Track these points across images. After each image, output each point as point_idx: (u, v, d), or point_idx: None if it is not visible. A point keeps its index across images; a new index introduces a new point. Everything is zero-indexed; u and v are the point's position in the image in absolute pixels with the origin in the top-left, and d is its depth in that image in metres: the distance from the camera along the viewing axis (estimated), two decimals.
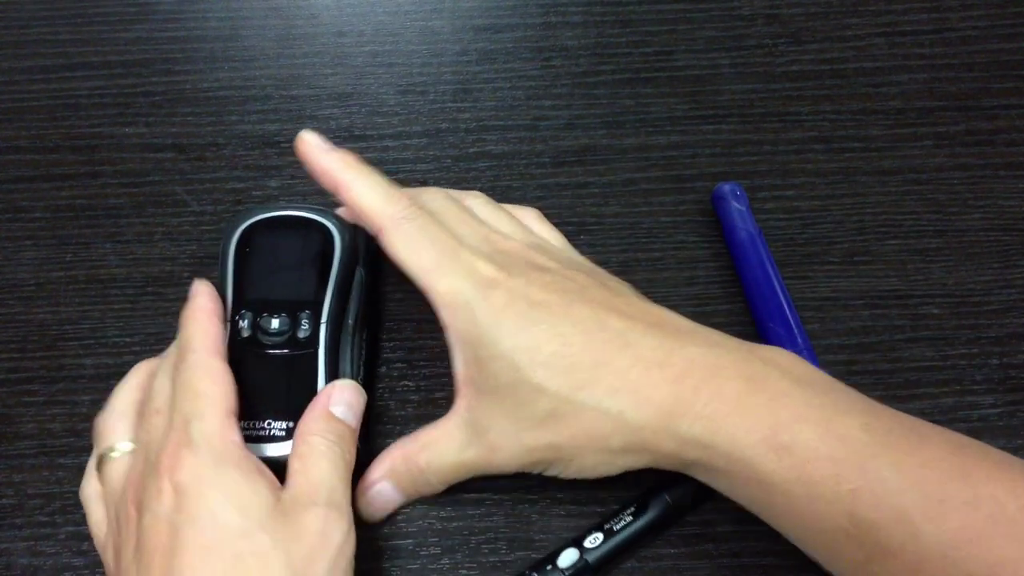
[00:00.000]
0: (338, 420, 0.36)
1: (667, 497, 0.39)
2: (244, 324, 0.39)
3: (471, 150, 0.51)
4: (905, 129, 0.52)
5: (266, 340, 0.39)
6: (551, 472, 0.37)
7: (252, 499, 0.32)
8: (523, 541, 0.40)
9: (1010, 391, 0.44)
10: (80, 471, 0.40)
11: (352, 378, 0.39)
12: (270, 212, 0.42)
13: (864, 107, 0.52)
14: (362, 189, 0.37)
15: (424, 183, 0.50)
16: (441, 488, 0.39)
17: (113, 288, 0.47)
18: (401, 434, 0.43)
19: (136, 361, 0.46)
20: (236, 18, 0.56)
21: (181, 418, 0.34)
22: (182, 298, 0.48)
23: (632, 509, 0.39)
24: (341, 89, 0.53)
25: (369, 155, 0.51)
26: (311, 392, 0.38)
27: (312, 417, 0.36)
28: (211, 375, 0.36)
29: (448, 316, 0.36)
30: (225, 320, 0.39)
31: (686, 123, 0.52)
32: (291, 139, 0.51)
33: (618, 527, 0.38)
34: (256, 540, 0.31)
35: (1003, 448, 0.33)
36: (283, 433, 0.37)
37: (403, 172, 0.51)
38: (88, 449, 0.40)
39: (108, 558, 0.35)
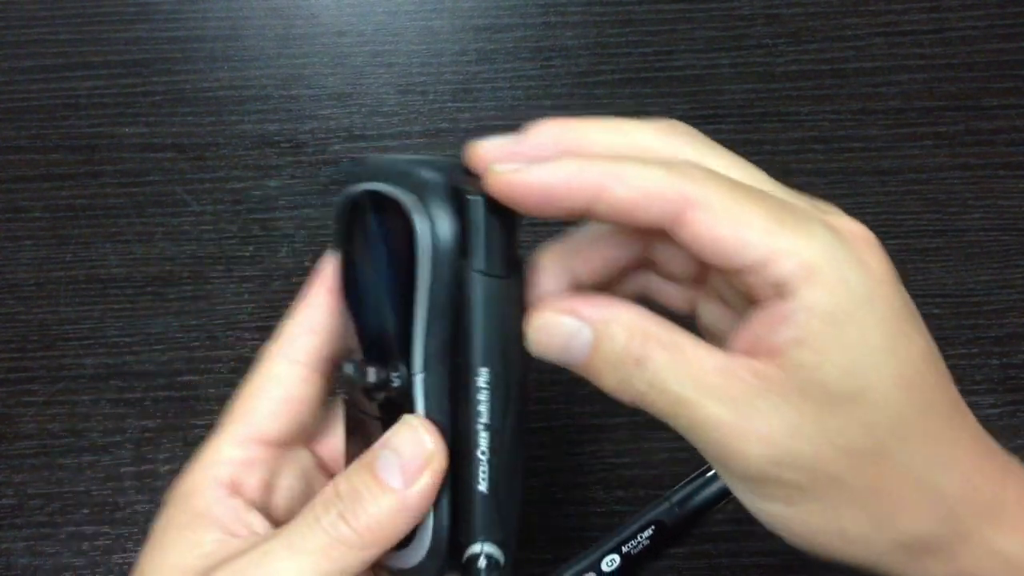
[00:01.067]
0: (369, 467, 0.26)
1: (684, 517, 0.39)
2: (350, 369, 0.27)
3: None
4: (905, 129, 0.52)
5: (368, 397, 0.28)
6: (777, 508, 0.26)
7: (177, 557, 0.27)
8: (523, 541, 0.40)
9: (1010, 391, 0.44)
10: (80, 471, 0.40)
11: (469, 457, 0.27)
12: (364, 184, 0.27)
13: (864, 107, 0.52)
14: (634, 175, 0.25)
15: None
16: (627, 399, 0.26)
17: (113, 288, 0.47)
18: None
19: (136, 361, 0.46)
20: (236, 18, 0.56)
21: None
22: (182, 298, 0.48)
23: (648, 533, 0.38)
24: (341, 89, 0.53)
25: (369, 155, 0.51)
26: None
27: (351, 467, 0.27)
28: (256, 382, 0.29)
29: (803, 283, 0.24)
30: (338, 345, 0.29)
31: (686, 123, 0.52)
32: (291, 139, 0.52)
33: (635, 551, 0.38)
34: None
35: (1002, 448, 0.33)
36: None
37: None
38: (87, 449, 0.40)
39: None
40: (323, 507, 0.26)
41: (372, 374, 0.27)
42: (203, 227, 0.49)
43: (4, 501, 0.42)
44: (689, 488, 0.40)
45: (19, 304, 0.47)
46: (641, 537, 0.38)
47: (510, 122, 0.52)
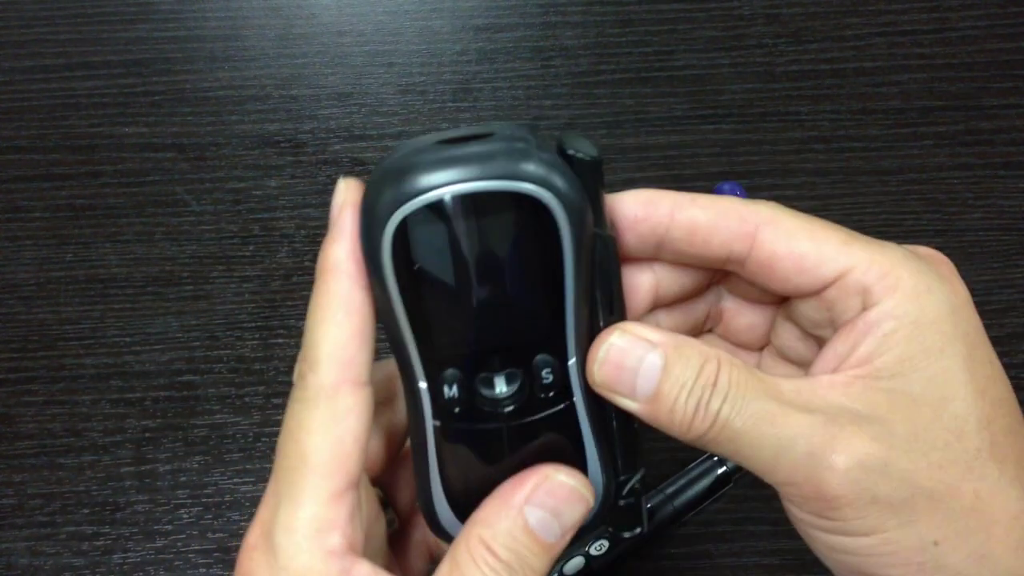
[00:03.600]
0: (529, 531, 0.24)
1: (673, 504, 0.39)
2: (451, 391, 0.25)
3: None
4: (905, 129, 0.52)
5: (491, 410, 0.25)
6: (863, 543, 0.24)
7: None
8: None
9: None
10: (80, 471, 0.40)
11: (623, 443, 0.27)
12: (437, 188, 0.23)
13: (864, 107, 0.52)
14: (707, 199, 0.26)
15: None
16: (698, 431, 0.24)
17: (113, 288, 0.47)
18: None
19: (136, 361, 0.46)
20: (236, 18, 0.56)
21: (274, 490, 0.24)
22: (182, 298, 0.48)
23: None
24: (341, 89, 0.53)
25: (369, 155, 0.51)
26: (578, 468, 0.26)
27: (493, 510, 0.24)
28: (327, 424, 0.24)
29: (887, 292, 0.24)
30: (414, 378, 0.25)
31: (686, 123, 0.52)
32: (291, 138, 0.52)
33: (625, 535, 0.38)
34: None
35: None
36: None
37: None
38: (87, 449, 0.40)
39: None
40: (513, 557, 0.24)
41: (503, 382, 0.25)
42: (203, 227, 0.49)
43: (4, 501, 0.42)
44: (683, 480, 0.40)
45: (19, 304, 0.47)
46: None
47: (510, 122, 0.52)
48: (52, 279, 0.48)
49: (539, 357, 0.25)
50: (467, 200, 0.23)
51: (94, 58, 0.54)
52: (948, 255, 0.47)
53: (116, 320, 0.46)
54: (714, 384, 0.24)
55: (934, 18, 0.55)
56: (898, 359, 0.24)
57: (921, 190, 0.50)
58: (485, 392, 0.25)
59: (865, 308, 0.24)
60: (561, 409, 0.25)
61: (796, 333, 0.28)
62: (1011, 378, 0.44)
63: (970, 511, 0.23)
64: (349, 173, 0.51)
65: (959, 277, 0.26)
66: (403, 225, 0.23)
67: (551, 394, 0.25)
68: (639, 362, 0.24)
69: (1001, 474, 0.24)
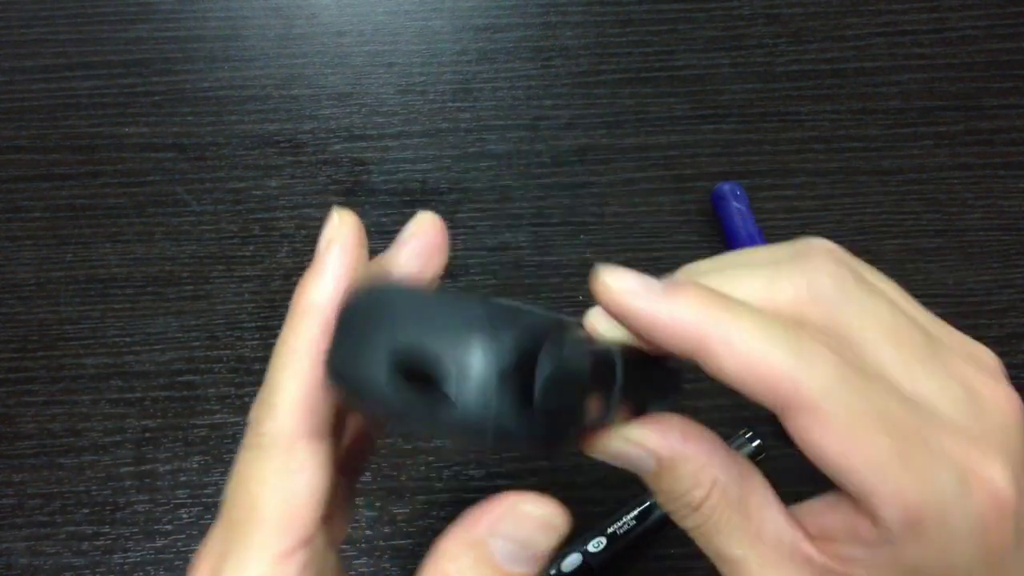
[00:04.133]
0: (495, 565, 0.22)
1: None
2: None
3: (471, 150, 0.51)
4: (905, 129, 0.52)
5: None
6: None
7: None
8: None
9: None
10: (80, 471, 0.40)
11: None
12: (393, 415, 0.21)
13: (864, 107, 0.52)
14: (744, 341, 0.21)
15: (424, 183, 0.50)
16: (718, 552, 0.24)
17: (113, 288, 0.47)
18: None
19: (136, 361, 0.46)
20: (236, 18, 0.56)
21: (221, 542, 0.23)
22: (182, 298, 0.48)
23: (635, 513, 0.39)
24: (341, 89, 0.53)
25: (369, 155, 0.51)
26: None
27: (457, 543, 0.23)
28: (281, 477, 0.23)
29: (901, 531, 0.21)
30: None
31: (686, 123, 0.52)
32: (291, 138, 0.52)
33: (621, 531, 0.38)
34: None
35: None
36: None
37: (403, 172, 0.51)
38: (87, 449, 0.39)
39: None
40: None
41: None
42: (203, 227, 0.49)
43: (4, 501, 0.42)
44: None
45: (19, 304, 0.47)
46: (626, 519, 0.38)
47: (510, 122, 0.52)
48: (52, 279, 0.48)
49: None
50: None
51: (94, 58, 0.54)
52: (948, 255, 0.47)
53: (116, 320, 0.46)
54: (695, 509, 0.23)
55: (934, 18, 0.55)
56: None
57: (921, 190, 0.50)
58: None
59: (876, 526, 0.22)
60: None
61: None
62: (1012, 378, 0.44)
63: None
64: (349, 173, 0.51)
65: (1007, 519, 0.22)
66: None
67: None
68: (637, 460, 0.23)
69: None
